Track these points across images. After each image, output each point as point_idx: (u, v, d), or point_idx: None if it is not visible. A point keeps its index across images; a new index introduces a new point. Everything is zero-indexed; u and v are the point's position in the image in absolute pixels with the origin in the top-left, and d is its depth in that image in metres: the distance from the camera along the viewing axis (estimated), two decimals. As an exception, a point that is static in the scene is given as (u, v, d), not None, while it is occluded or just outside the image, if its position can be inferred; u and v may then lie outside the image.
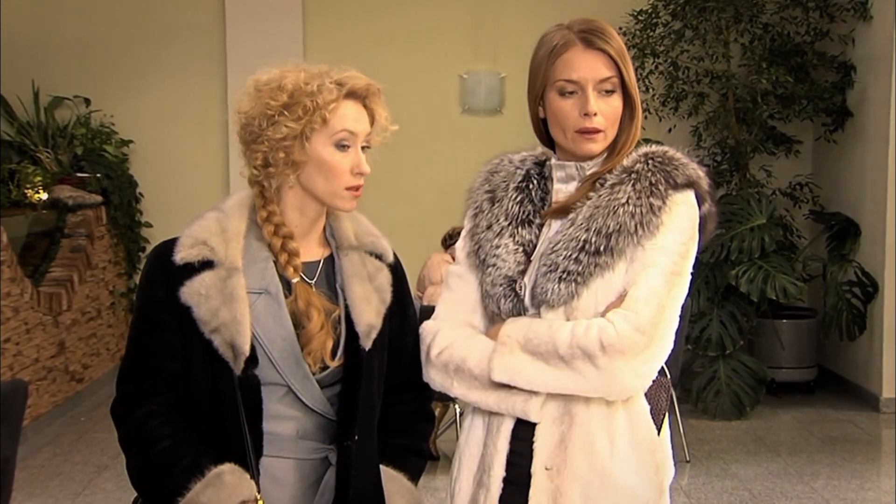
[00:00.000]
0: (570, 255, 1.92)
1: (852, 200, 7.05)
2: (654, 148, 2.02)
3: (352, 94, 1.97)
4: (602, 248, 1.91)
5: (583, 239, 1.92)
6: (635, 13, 7.07)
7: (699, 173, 2.00)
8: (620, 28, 6.91)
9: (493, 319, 2.03)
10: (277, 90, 1.94)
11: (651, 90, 7.07)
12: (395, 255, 2.14)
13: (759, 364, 6.51)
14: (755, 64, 6.83)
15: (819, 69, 7.10)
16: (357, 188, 1.99)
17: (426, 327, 2.11)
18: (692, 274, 1.99)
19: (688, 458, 5.57)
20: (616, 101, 1.99)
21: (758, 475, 5.36)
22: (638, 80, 7.49)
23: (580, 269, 1.91)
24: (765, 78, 6.67)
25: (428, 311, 5.22)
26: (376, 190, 8.09)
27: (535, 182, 2.07)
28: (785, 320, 6.96)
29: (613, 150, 2.01)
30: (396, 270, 2.12)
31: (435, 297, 5.37)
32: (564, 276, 1.91)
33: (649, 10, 7.07)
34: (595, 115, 1.96)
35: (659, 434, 1.98)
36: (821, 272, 6.95)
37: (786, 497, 5.04)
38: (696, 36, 7.01)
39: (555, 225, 2.02)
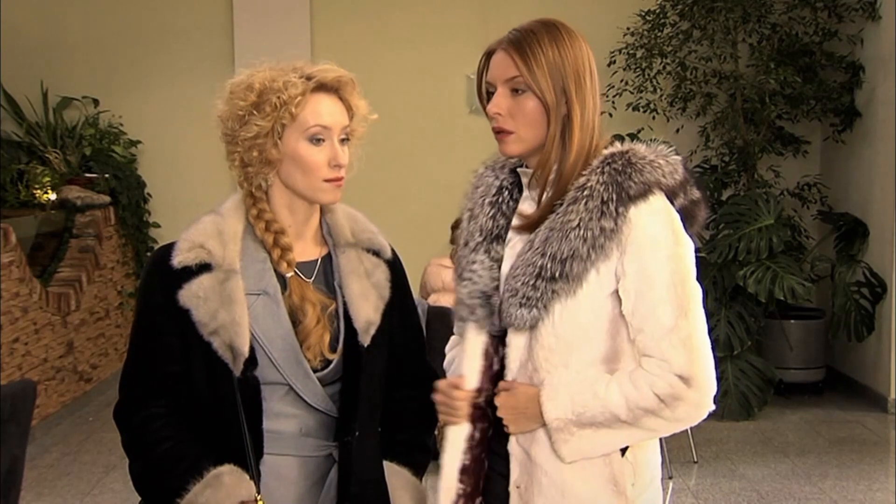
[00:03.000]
0: (528, 282, 1.89)
1: (860, 201, 7.04)
2: (616, 149, 1.93)
3: (322, 87, 1.97)
4: (557, 275, 1.87)
5: (539, 265, 1.88)
6: (643, 13, 7.07)
7: (664, 170, 1.90)
8: (628, 28, 6.92)
9: (465, 320, 2.01)
10: (246, 90, 1.96)
11: (659, 90, 7.06)
12: (393, 251, 2.14)
13: (767, 365, 6.50)
14: (763, 64, 6.81)
15: (827, 69, 7.08)
16: (337, 179, 1.98)
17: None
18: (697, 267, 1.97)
19: (695, 459, 5.56)
20: (528, 102, 1.92)
21: (766, 476, 5.35)
22: (646, 80, 7.45)
23: (538, 295, 1.88)
24: (773, 78, 6.65)
25: (436, 312, 5.22)
26: (383, 189, 8.13)
27: (506, 194, 2.04)
28: (793, 321, 6.94)
29: (552, 153, 1.94)
30: (395, 266, 2.12)
31: (439, 302, 5.39)
32: (525, 301, 1.89)
33: (657, 11, 7.06)
34: (497, 114, 1.94)
35: (624, 449, 1.95)
36: (829, 273, 6.94)
37: (794, 498, 5.03)
38: (703, 36, 6.99)
39: (515, 241, 1.99)
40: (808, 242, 7.31)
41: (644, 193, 1.88)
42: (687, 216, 1.96)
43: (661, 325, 1.86)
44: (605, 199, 1.86)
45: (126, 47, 7.91)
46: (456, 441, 2.00)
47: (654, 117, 7.08)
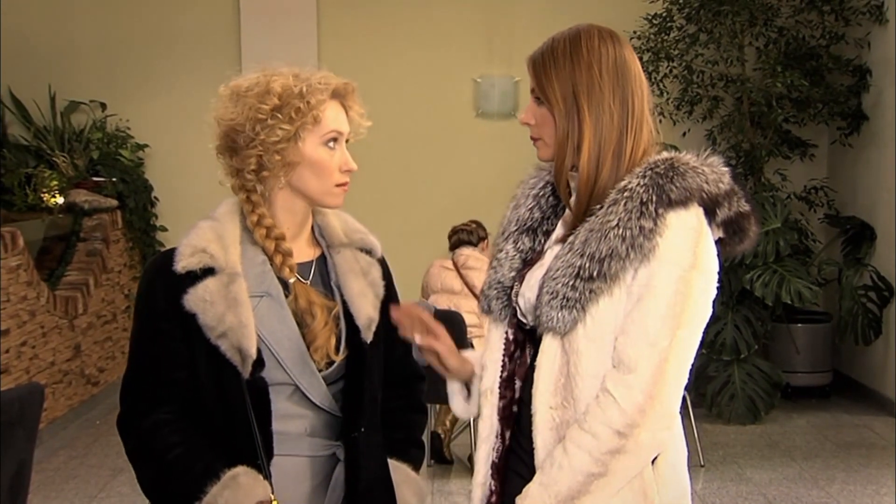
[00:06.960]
0: (568, 283, 1.89)
1: (867, 204, 7.03)
2: (661, 157, 1.95)
3: (334, 94, 2.01)
4: (595, 274, 1.87)
5: (577, 265, 1.89)
6: (650, 17, 7.07)
7: (707, 177, 1.92)
8: (635, 32, 6.92)
9: (485, 313, 2.06)
10: (266, 94, 1.97)
11: (665, 94, 7.06)
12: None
13: (774, 368, 6.49)
14: (770, 67, 6.81)
15: (834, 73, 7.08)
16: (345, 184, 2.03)
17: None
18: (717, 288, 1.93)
19: (702, 463, 5.55)
20: (545, 111, 1.98)
21: (773, 480, 5.34)
22: (653, 83, 7.45)
23: (577, 295, 1.88)
24: (780, 81, 6.65)
25: (441, 315, 5.22)
26: (389, 191, 8.12)
27: (548, 189, 2.08)
28: (800, 324, 6.93)
29: (566, 159, 1.98)
30: (385, 265, 2.17)
31: (437, 304, 5.41)
32: (565, 302, 1.89)
33: (664, 14, 7.07)
34: (526, 122, 2.01)
35: (655, 460, 1.93)
36: (836, 276, 6.93)
37: (801, 502, 5.02)
38: (710, 40, 7.00)
39: (552, 241, 2.03)
40: (815, 246, 7.31)
41: (684, 201, 1.88)
42: (735, 230, 1.95)
43: (645, 335, 1.85)
44: (645, 200, 1.88)
45: (133, 51, 7.93)
46: (488, 438, 2.01)
47: (660, 121, 7.04)
